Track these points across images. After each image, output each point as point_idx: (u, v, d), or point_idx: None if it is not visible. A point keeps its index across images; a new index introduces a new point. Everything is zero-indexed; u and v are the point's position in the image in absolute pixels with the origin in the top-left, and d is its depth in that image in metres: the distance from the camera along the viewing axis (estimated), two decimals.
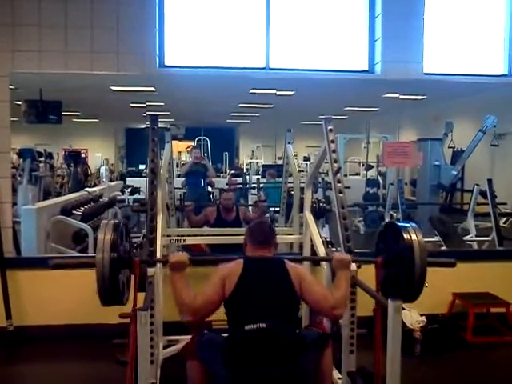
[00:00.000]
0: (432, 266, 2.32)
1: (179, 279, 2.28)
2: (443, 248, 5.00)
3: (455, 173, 6.97)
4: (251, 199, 7.68)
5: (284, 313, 2.29)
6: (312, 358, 2.32)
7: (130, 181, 8.79)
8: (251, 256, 2.46)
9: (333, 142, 3.04)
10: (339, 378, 2.79)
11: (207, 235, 4.27)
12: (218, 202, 5.53)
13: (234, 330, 2.27)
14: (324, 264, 3.04)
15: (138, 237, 4.23)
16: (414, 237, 2.28)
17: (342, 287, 2.35)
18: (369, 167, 8.72)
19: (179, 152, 10.68)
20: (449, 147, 7.40)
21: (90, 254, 4.59)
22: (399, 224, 2.43)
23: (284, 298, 2.30)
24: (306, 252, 3.65)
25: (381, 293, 2.43)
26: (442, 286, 4.03)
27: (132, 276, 2.34)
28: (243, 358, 2.16)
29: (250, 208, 6.03)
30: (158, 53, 4.05)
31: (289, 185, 4.65)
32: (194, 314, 2.25)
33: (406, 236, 2.28)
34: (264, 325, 2.19)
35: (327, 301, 2.29)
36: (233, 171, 9.29)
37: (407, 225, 2.37)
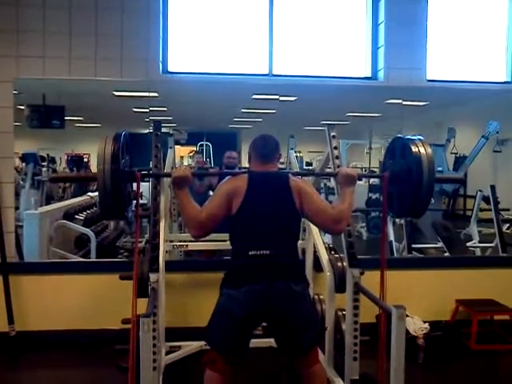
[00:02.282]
0: (439, 181, 2.28)
1: (183, 194, 2.29)
2: (446, 254, 4.99)
3: None
4: None
5: (286, 235, 2.32)
6: (303, 293, 2.33)
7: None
8: (256, 171, 2.44)
9: (336, 148, 3.05)
10: None
11: (210, 241, 4.26)
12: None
13: (238, 255, 2.31)
14: (327, 270, 3.03)
15: (141, 241, 4.23)
16: (422, 150, 2.25)
17: (346, 201, 2.32)
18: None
19: (181, 157, 10.68)
20: (451, 153, 7.38)
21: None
22: (406, 137, 2.40)
23: (286, 216, 2.31)
24: (309, 258, 3.65)
25: (388, 210, 2.42)
26: (446, 292, 4.03)
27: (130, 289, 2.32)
28: (246, 277, 2.21)
29: None
30: (161, 59, 4.06)
31: None
32: (200, 227, 2.27)
33: (413, 149, 2.24)
34: (267, 251, 2.23)
35: (328, 213, 2.28)
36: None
37: (415, 138, 2.34)
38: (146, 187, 5.88)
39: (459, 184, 2.41)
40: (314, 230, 3.50)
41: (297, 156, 4.80)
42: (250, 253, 2.24)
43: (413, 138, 2.34)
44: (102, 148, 2.12)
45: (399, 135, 2.58)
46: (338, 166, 2.96)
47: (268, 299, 2.20)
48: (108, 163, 2.08)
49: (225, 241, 3.94)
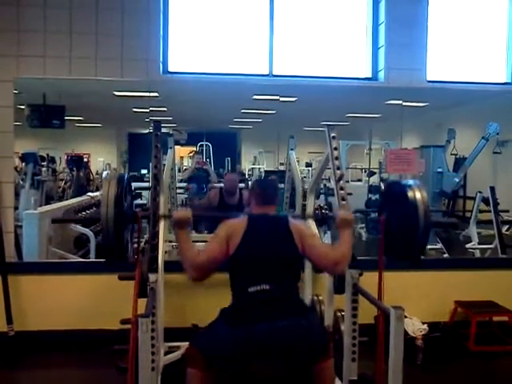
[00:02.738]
0: (435, 226, 2.31)
1: (183, 236, 2.31)
2: (445, 255, 4.99)
3: (458, 180, 6.95)
4: None
5: (287, 273, 2.30)
6: (314, 318, 2.31)
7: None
8: (255, 214, 2.46)
9: (336, 149, 3.05)
10: None
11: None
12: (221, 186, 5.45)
13: (237, 293, 2.29)
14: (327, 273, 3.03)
15: (140, 242, 4.23)
16: (418, 194, 2.26)
17: (345, 243, 2.35)
18: (371, 173, 8.71)
19: (181, 157, 10.67)
20: (451, 154, 7.38)
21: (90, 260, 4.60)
22: (403, 182, 2.42)
23: (286, 256, 2.31)
24: None
25: (384, 253, 2.44)
26: (444, 294, 4.03)
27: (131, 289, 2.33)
28: (247, 316, 2.17)
29: None
30: (161, 59, 4.06)
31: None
32: (199, 269, 2.26)
33: (410, 194, 2.27)
34: (267, 286, 2.20)
35: (329, 256, 2.30)
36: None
37: (411, 182, 2.36)
38: (145, 186, 5.87)
39: (452, 227, 2.48)
40: (314, 230, 3.50)
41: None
42: (249, 289, 2.21)
43: (409, 182, 2.38)
44: (105, 191, 2.18)
45: (394, 180, 2.62)
46: (338, 168, 2.96)
47: (268, 341, 2.12)
48: (111, 207, 2.14)
49: None
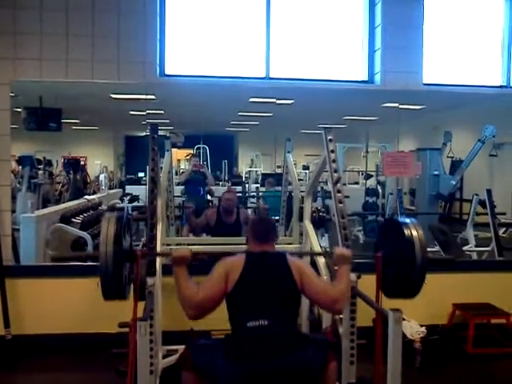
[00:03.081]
0: (432, 263, 2.31)
1: (182, 274, 2.27)
2: None
3: (454, 182, 6.97)
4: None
5: (285, 309, 2.28)
6: (315, 355, 2.27)
7: (129, 189, 8.76)
8: (253, 251, 2.45)
9: (333, 151, 3.05)
10: None
11: (207, 244, 4.26)
12: (218, 204, 5.48)
13: (236, 327, 2.27)
14: (322, 268, 3.04)
15: (138, 245, 4.23)
16: (414, 232, 2.27)
17: (343, 281, 2.32)
18: (368, 176, 8.72)
19: (178, 160, 10.67)
20: (448, 157, 7.40)
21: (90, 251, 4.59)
22: (399, 220, 2.43)
23: (285, 292, 2.29)
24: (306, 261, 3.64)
25: (381, 289, 2.42)
26: (442, 296, 4.04)
27: (133, 272, 2.32)
28: (246, 353, 2.14)
29: (250, 211, 6.01)
30: (158, 62, 4.06)
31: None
32: (197, 308, 2.23)
33: (406, 232, 2.28)
34: (266, 322, 2.18)
35: (328, 294, 2.28)
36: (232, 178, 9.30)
37: (407, 220, 2.37)
38: (143, 190, 5.87)
39: (449, 264, 2.50)
40: (311, 233, 3.50)
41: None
42: (248, 324, 2.18)
43: (406, 220, 2.38)
44: (105, 229, 2.14)
45: (391, 217, 2.62)
46: (335, 171, 2.97)
47: (265, 380, 2.11)
48: (110, 245, 2.11)
49: (221, 244, 4.00)
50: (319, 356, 2.32)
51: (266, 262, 2.38)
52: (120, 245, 2.17)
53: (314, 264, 3.40)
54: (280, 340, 2.17)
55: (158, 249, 2.89)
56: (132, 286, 2.37)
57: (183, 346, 3.37)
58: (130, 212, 6.65)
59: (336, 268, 2.43)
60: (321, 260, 3.09)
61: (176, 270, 2.29)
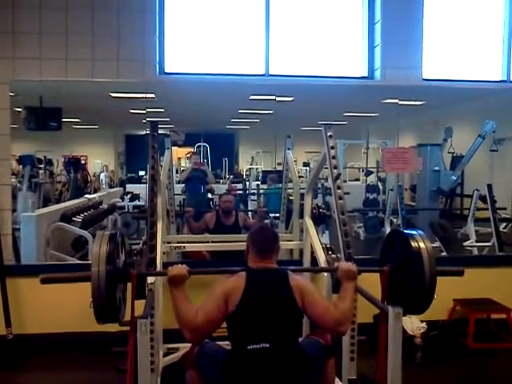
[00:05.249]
0: (441, 275, 2.27)
1: (179, 293, 2.19)
2: (443, 254, 4.99)
3: (455, 178, 6.96)
4: (251, 205, 7.68)
5: (287, 331, 2.23)
6: (315, 374, 2.27)
7: (129, 187, 8.78)
8: (254, 268, 2.37)
9: (333, 148, 3.04)
10: None
11: (207, 242, 4.27)
12: (217, 206, 5.51)
13: (236, 349, 2.22)
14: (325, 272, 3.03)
15: (138, 243, 4.23)
16: (422, 245, 2.23)
17: (348, 299, 2.25)
18: (368, 173, 8.72)
19: (179, 158, 10.68)
20: (448, 152, 7.39)
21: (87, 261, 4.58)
22: (406, 231, 2.38)
23: (286, 313, 2.24)
24: (306, 258, 3.65)
25: (387, 303, 2.37)
26: (443, 292, 4.00)
27: (128, 291, 2.29)
28: (245, 377, 2.13)
29: (250, 214, 6.01)
30: (158, 60, 4.06)
31: (289, 191, 4.64)
32: (196, 331, 2.16)
33: (413, 244, 2.22)
34: (267, 345, 2.14)
35: (330, 315, 2.20)
36: (232, 176, 9.30)
37: (414, 232, 2.32)
38: (143, 188, 5.87)
39: (458, 275, 2.43)
40: (312, 229, 3.50)
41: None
42: (248, 347, 2.14)
43: (412, 232, 2.31)
44: (97, 248, 2.05)
45: (397, 228, 2.55)
46: (335, 167, 2.96)
47: None
48: (103, 264, 2.01)
49: (222, 242, 4.01)
50: (319, 370, 2.30)
51: (268, 282, 2.29)
52: (113, 264, 2.08)
53: (314, 261, 3.41)
54: (280, 364, 2.13)
55: (159, 247, 2.89)
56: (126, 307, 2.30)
57: (185, 345, 3.40)
58: (131, 210, 6.67)
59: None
60: (321, 258, 3.09)
61: (173, 292, 2.20)
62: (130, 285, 2.34)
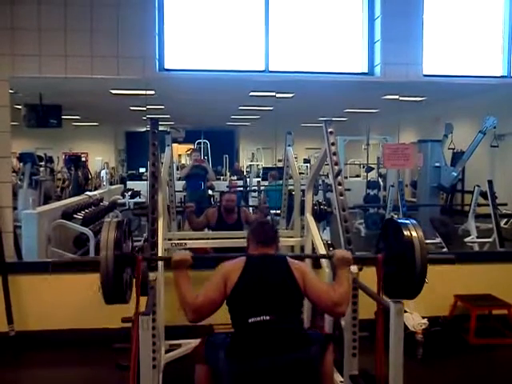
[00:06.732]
0: (432, 262, 2.30)
1: (182, 278, 2.27)
2: (444, 250, 5.00)
3: (455, 174, 6.96)
4: (252, 202, 7.68)
5: (287, 306, 2.27)
6: (316, 352, 2.29)
7: (130, 184, 8.77)
8: (253, 254, 2.43)
9: (333, 144, 3.04)
10: (341, 382, 2.79)
11: (208, 239, 4.27)
12: (218, 203, 5.50)
13: (237, 324, 2.27)
14: (325, 266, 3.03)
15: (139, 240, 4.23)
16: (414, 233, 2.28)
17: (344, 284, 2.31)
18: (369, 169, 8.71)
19: (179, 155, 10.68)
20: (449, 148, 7.38)
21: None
22: (399, 221, 2.43)
23: (287, 292, 2.28)
24: None
25: (382, 290, 2.42)
26: (444, 288, 4.03)
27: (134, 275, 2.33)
28: (247, 350, 2.15)
29: (251, 210, 6.01)
30: (157, 56, 4.05)
31: (289, 187, 4.63)
32: (196, 312, 2.23)
33: (406, 233, 2.28)
34: (268, 317, 2.18)
35: (330, 297, 2.26)
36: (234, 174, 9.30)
37: (407, 221, 2.37)
38: (144, 185, 5.87)
39: (449, 263, 2.49)
40: (313, 226, 3.50)
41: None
42: (249, 320, 2.18)
43: (405, 221, 2.37)
44: (105, 234, 2.18)
45: (391, 218, 2.59)
46: (336, 163, 2.96)
47: (268, 377, 2.12)
48: (111, 249, 2.14)
49: (224, 238, 4.01)
50: (321, 352, 2.33)
51: (267, 264, 2.36)
52: (120, 249, 2.18)
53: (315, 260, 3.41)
54: (282, 336, 2.16)
55: (160, 244, 2.89)
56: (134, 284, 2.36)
57: (187, 341, 3.41)
58: (132, 207, 6.67)
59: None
60: (321, 248, 3.10)
61: (176, 274, 2.29)
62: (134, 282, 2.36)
